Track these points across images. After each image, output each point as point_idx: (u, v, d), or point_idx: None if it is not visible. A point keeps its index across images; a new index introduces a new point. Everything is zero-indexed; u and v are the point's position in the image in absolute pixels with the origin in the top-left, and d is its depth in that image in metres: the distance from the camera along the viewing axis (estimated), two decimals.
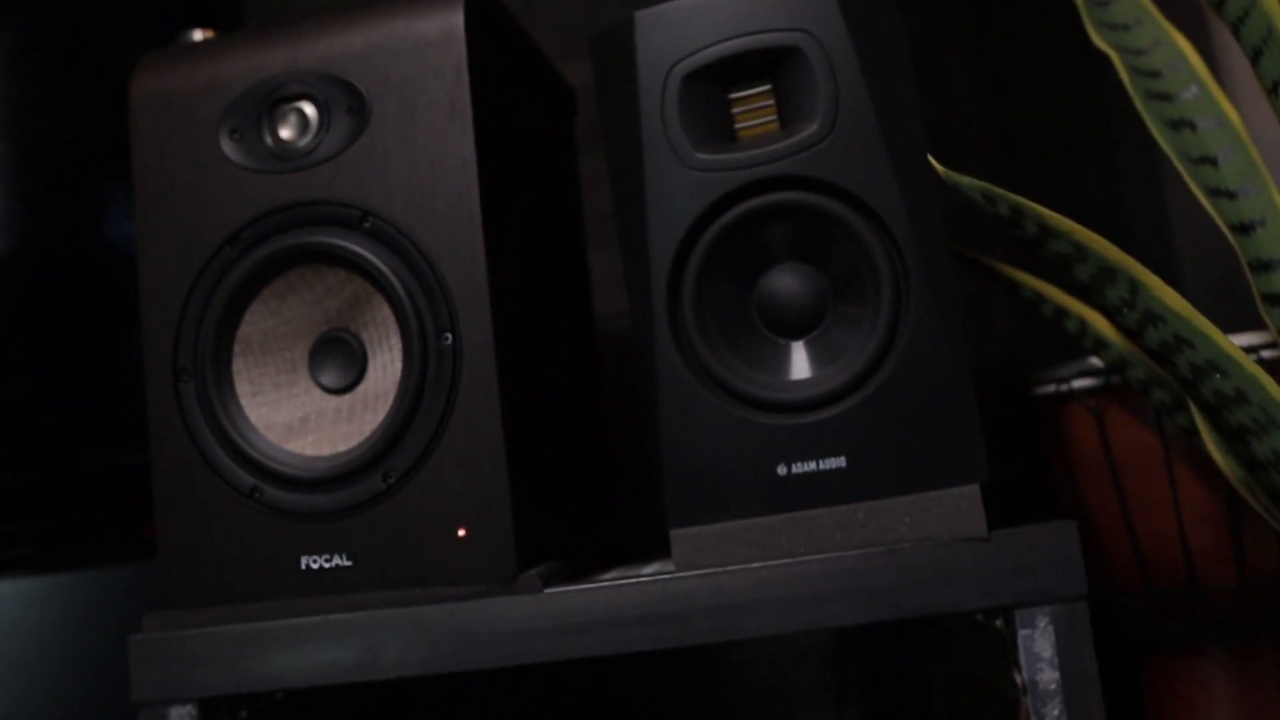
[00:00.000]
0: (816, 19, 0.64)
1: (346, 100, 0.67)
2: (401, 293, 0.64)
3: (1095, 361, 0.74)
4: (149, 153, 0.69)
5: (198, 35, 0.77)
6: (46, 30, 0.98)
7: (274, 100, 0.68)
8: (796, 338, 0.65)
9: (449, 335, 0.64)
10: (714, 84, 0.66)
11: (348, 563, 0.65)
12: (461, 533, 0.63)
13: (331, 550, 0.65)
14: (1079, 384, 0.75)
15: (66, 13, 0.98)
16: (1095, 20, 0.72)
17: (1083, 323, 0.69)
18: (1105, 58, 0.71)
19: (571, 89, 0.91)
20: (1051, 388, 0.76)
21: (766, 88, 0.66)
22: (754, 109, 0.66)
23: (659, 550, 0.83)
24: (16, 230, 1.03)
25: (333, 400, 0.68)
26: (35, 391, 1.06)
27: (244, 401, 0.68)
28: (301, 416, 0.68)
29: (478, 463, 0.63)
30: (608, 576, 0.68)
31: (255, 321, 0.68)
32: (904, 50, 0.64)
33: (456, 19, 0.66)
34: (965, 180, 0.57)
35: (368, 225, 0.65)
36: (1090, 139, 1.05)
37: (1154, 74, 0.70)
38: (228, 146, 0.68)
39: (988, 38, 1.15)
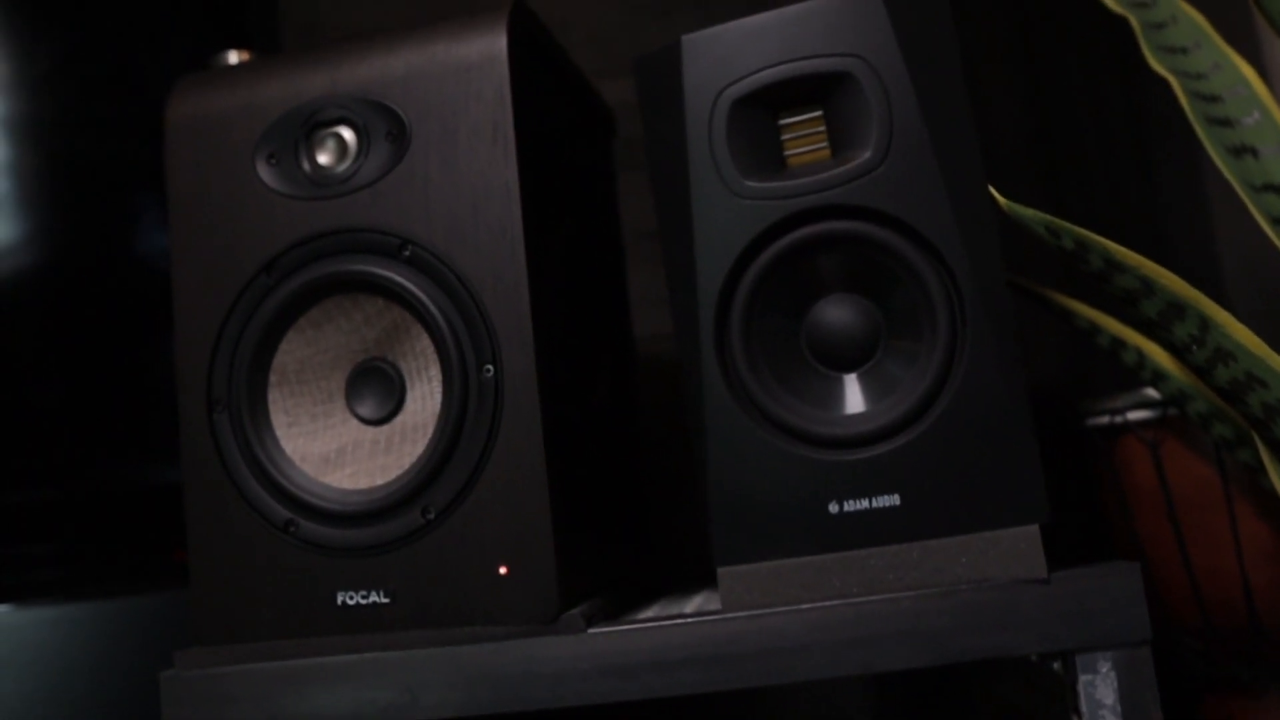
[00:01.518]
0: (869, 44, 0.62)
1: (386, 125, 0.65)
2: (442, 323, 0.63)
3: (1151, 393, 0.72)
4: (184, 177, 0.68)
5: (233, 57, 0.76)
6: (81, 49, 0.98)
7: (312, 125, 0.67)
8: (848, 370, 0.63)
9: (490, 367, 0.62)
10: (763, 109, 0.64)
11: (385, 600, 0.63)
12: (503, 570, 0.61)
13: (369, 587, 0.63)
14: (1134, 416, 0.72)
15: (101, 32, 0.98)
16: (1152, 44, 0.70)
17: (1140, 354, 0.67)
18: (1149, 78, 0.69)
19: (610, 110, 0.89)
20: (1105, 419, 0.74)
21: (817, 114, 0.64)
22: (804, 135, 0.64)
23: (701, 580, 0.82)
24: (48, 245, 1.03)
25: (370, 431, 0.66)
26: (64, 407, 1.05)
27: (279, 432, 0.66)
28: (338, 448, 0.66)
29: (519, 499, 0.61)
30: (650, 612, 0.66)
31: (291, 351, 0.67)
32: (960, 76, 0.62)
33: (499, 42, 0.64)
34: (1029, 213, 0.55)
35: (407, 253, 0.64)
36: (1134, 161, 1.03)
37: (1214, 99, 0.68)
38: (264, 172, 0.67)
39: (1029, 59, 1.13)
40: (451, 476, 0.62)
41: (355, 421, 0.67)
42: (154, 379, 1.05)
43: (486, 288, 0.63)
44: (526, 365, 0.62)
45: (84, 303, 1.04)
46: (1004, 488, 0.59)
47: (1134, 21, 0.71)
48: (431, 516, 0.62)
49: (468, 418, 0.62)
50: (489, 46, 0.64)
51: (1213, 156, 0.67)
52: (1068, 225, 0.54)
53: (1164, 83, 0.69)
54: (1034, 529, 0.59)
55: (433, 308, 0.63)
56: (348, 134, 0.66)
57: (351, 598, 0.63)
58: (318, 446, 0.66)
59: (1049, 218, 0.54)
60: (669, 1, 1.15)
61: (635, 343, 0.91)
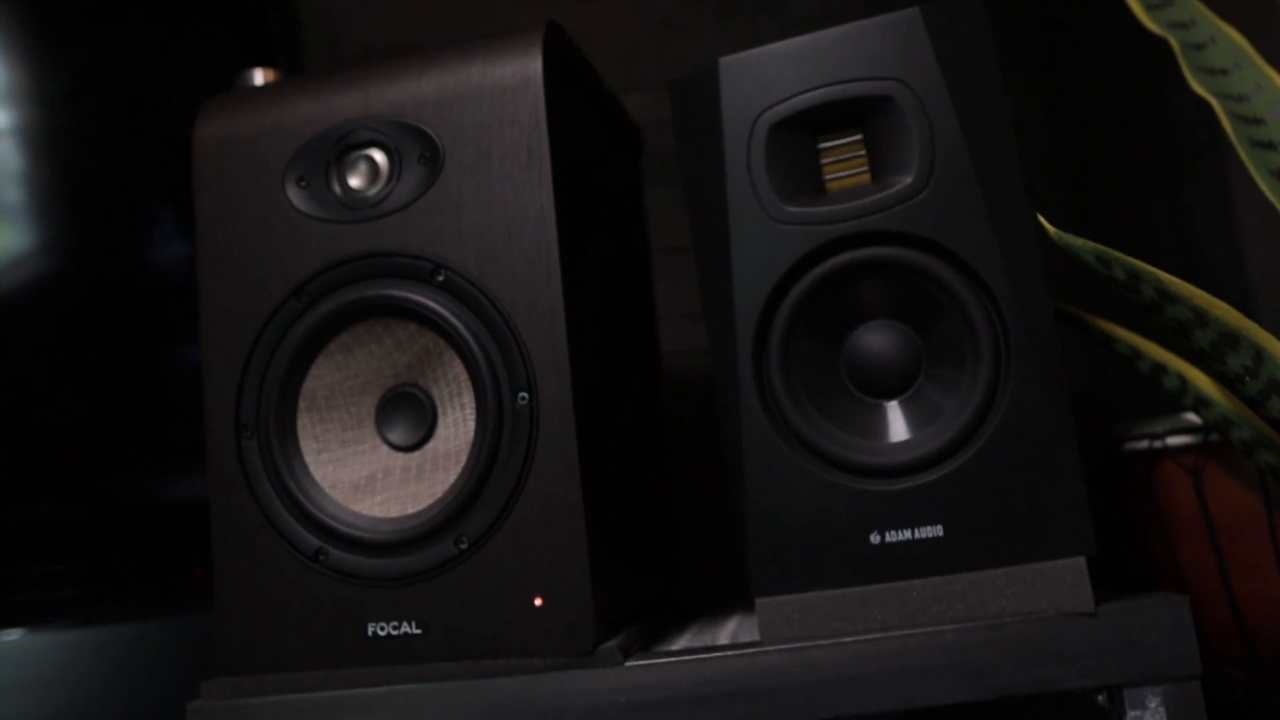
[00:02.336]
0: (910, 67, 0.61)
1: (419, 148, 0.64)
2: (476, 349, 0.62)
3: (1191, 417, 0.71)
4: (213, 200, 0.67)
5: (259, 75, 0.75)
6: (105, 64, 0.97)
7: (343, 147, 0.66)
8: (887, 398, 0.62)
9: (525, 395, 0.61)
10: (802, 133, 0.63)
11: (417, 631, 0.62)
12: (538, 601, 0.60)
13: (400, 617, 0.62)
14: (1174, 441, 0.71)
15: (124, 49, 0.97)
16: (1193, 65, 0.69)
17: (1182, 380, 0.66)
18: (1175, 98, 0.68)
19: (638, 127, 0.88)
20: (1144, 444, 0.73)
21: (857, 137, 0.63)
22: (844, 160, 0.63)
23: (731, 601, 0.81)
24: (64, 258, 1.02)
25: (401, 458, 0.65)
26: (78, 421, 1.04)
27: (309, 459, 0.65)
28: (368, 475, 0.65)
29: (555, 529, 0.60)
30: (684, 640, 0.65)
31: (321, 376, 0.66)
32: (1002, 99, 0.61)
33: (535, 65, 0.63)
34: (1078, 242, 0.54)
35: (441, 278, 0.63)
36: (1162, 177, 1.02)
37: (1257, 121, 0.67)
38: (295, 195, 0.66)
39: (1055, 76, 1.12)
40: (485, 506, 0.61)
41: (385, 448, 0.66)
42: (170, 393, 1.04)
43: (521, 314, 0.62)
44: (563, 392, 0.61)
45: (101, 316, 1.03)
46: (1049, 519, 0.58)
47: (1174, 43, 0.70)
48: (465, 546, 0.61)
49: (502, 446, 0.61)
50: (524, 69, 0.63)
51: (1256, 179, 0.66)
52: (1119, 255, 0.53)
53: (1191, 103, 0.68)
54: (1080, 561, 0.58)
55: (467, 334, 0.62)
56: (379, 156, 0.65)
57: (382, 628, 0.62)
58: (347, 473, 0.65)
59: (1099, 247, 0.53)
60: (688, 16, 1.14)
61: (662, 360, 0.90)
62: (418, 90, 0.65)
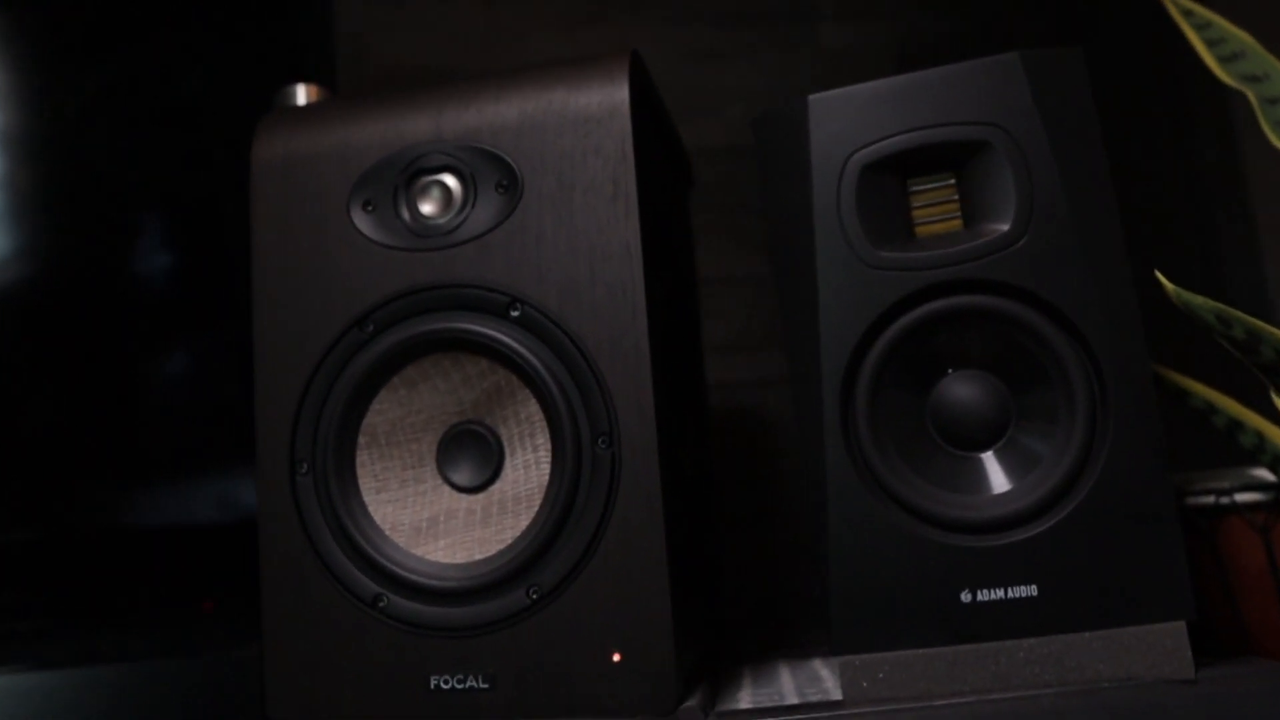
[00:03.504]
0: (1009, 112, 0.60)
1: (496, 175, 0.61)
2: (554, 390, 0.59)
3: (1262, 474, 0.70)
4: (271, 223, 0.64)
5: (302, 92, 0.72)
6: (131, 76, 0.93)
7: (414, 171, 0.63)
8: (976, 451, 0.60)
9: (606, 439, 0.58)
10: (892, 175, 0.61)
11: (484, 685, 0.59)
12: (616, 657, 0.57)
13: (465, 670, 0.59)
14: (1243, 498, 0.70)
15: (150, 64, 0.93)
16: (1270, 119, 0.68)
17: (1260, 437, 0.65)
18: (1206, 128, 0.67)
19: (690, 159, 0.86)
20: (1210, 499, 0.72)
21: (950, 182, 0.61)
22: (935, 204, 0.61)
23: (767, 647, 0.78)
24: (65, 266, 0.97)
25: (465, 500, 0.62)
26: (83, 435, 0.99)
27: (368, 499, 0.62)
28: (430, 517, 0.62)
29: (637, 581, 0.57)
30: (745, 694, 0.63)
31: (383, 411, 0.62)
32: (1101, 147, 0.60)
33: (621, 94, 0.61)
34: (1198, 300, 0.52)
35: (516, 313, 0.60)
36: (1187, 212, 1.03)
37: None
38: (360, 220, 0.62)
39: None
40: (561, 554, 0.58)
41: (448, 489, 0.62)
42: (165, 406, 0.99)
43: (604, 354, 0.59)
44: (647, 437, 0.58)
45: (85, 330, 0.99)
46: (1148, 581, 0.57)
47: (1251, 96, 0.69)
48: (537, 597, 0.58)
49: (580, 491, 0.58)
50: (611, 98, 0.61)
51: None
52: (1240, 315, 0.52)
53: (1219, 141, 0.68)
54: (1181, 626, 0.56)
55: (545, 373, 0.59)
56: (453, 183, 0.62)
57: (446, 682, 0.59)
58: (409, 515, 0.62)
59: (1220, 305, 0.52)
60: (721, 47, 1.13)
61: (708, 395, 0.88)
62: (496, 115, 0.62)
